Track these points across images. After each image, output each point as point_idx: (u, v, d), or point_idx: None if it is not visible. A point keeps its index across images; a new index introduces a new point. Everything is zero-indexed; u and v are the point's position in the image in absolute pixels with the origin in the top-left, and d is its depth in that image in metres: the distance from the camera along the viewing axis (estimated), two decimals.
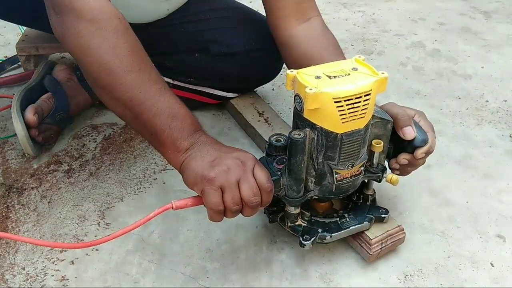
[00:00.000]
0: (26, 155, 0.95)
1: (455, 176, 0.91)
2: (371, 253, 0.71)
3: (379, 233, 0.72)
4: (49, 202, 0.86)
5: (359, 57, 0.65)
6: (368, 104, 0.61)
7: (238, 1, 1.08)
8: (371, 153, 0.69)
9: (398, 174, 0.73)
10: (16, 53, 1.17)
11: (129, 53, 0.64)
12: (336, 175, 0.65)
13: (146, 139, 0.71)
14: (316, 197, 0.69)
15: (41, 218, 0.83)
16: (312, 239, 0.69)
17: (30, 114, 0.91)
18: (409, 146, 0.69)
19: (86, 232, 0.80)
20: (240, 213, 0.64)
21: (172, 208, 0.63)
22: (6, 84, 1.17)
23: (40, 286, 0.71)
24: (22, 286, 0.71)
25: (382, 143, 0.68)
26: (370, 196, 0.75)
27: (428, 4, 1.64)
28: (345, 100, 0.59)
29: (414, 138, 0.68)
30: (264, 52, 0.98)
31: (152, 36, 1.00)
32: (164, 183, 0.90)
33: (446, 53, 1.33)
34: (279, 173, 0.65)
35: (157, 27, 1.00)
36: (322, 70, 0.62)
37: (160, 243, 0.78)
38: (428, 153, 0.70)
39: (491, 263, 0.74)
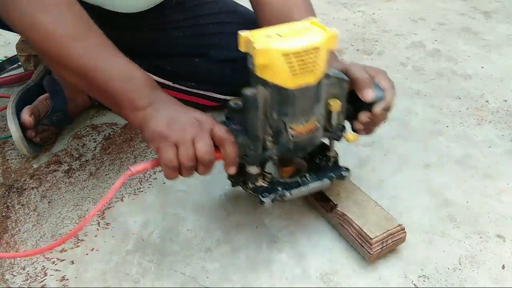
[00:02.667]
0: (24, 155, 0.95)
1: (455, 176, 0.91)
2: (371, 252, 0.71)
3: (380, 232, 0.72)
4: (49, 202, 0.86)
5: (314, 19, 0.66)
6: (317, 59, 0.61)
7: (238, 4, 1.07)
8: (329, 113, 0.70)
9: (363, 134, 0.75)
10: (16, 53, 1.17)
11: (73, 23, 0.65)
12: (291, 131, 0.66)
13: (105, 104, 0.72)
14: (277, 157, 0.70)
15: (41, 218, 0.83)
16: (272, 195, 0.70)
17: (26, 115, 0.91)
18: (368, 104, 0.71)
19: (86, 232, 0.80)
20: (196, 172, 0.65)
21: (132, 173, 0.64)
22: (6, 84, 1.18)
23: (40, 286, 0.71)
24: (22, 286, 0.71)
25: (339, 102, 0.69)
26: (332, 158, 0.76)
27: (428, 4, 1.64)
28: (294, 55, 0.60)
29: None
30: None
31: (152, 37, 1.00)
32: (164, 183, 0.90)
33: (446, 53, 1.33)
34: (236, 132, 0.67)
35: (156, 28, 1.00)
36: (275, 30, 0.63)
37: (160, 243, 0.78)
38: (386, 108, 0.71)
39: (502, 266, 0.74)
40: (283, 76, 0.61)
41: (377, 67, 0.75)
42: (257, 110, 0.64)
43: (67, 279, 0.72)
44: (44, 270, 0.74)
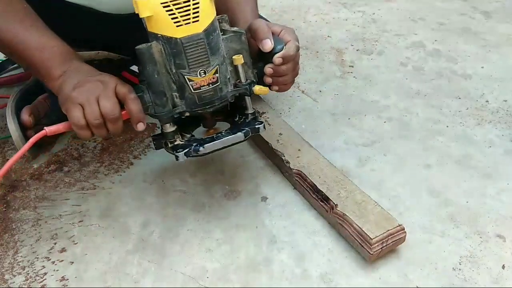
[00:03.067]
0: (24, 155, 0.95)
1: (455, 176, 0.91)
2: (371, 252, 0.71)
3: (380, 232, 0.72)
4: (49, 202, 0.86)
5: None
6: (198, 7, 0.64)
7: None
8: (236, 69, 0.72)
9: (277, 90, 0.78)
10: None
11: None
12: (191, 83, 0.68)
13: (31, 72, 0.76)
14: (189, 113, 0.72)
15: (41, 218, 0.83)
16: (186, 150, 0.72)
17: (25, 115, 0.91)
18: (271, 57, 0.74)
19: (86, 232, 0.80)
20: (109, 131, 0.68)
21: (46, 133, 0.68)
22: (6, 84, 1.18)
23: (40, 286, 0.71)
24: (22, 286, 0.71)
25: (241, 55, 0.72)
26: (250, 115, 0.78)
27: (428, 4, 1.64)
28: (173, 4, 0.63)
29: (273, 49, 0.73)
30: None
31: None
32: (164, 183, 0.90)
33: (446, 53, 1.33)
34: (142, 91, 0.69)
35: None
36: None
37: (160, 243, 0.78)
38: (286, 58, 0.74)
39: (502, 266, 0.74)
40: (168, 26, 0.64)
41: (284, 25, 0.78)
42: (154, 64, 0.66)
43: (67, 279, 0.72)
44: (44, 270, 0.74)
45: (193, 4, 0.63)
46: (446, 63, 1.29)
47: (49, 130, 0.68)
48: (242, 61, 0.72)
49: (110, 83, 0.67)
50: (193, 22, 0.64)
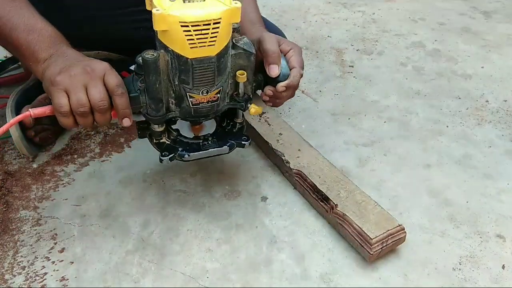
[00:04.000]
0: (24, 155, 0.95)
1: (455, 176, 0.91)
2: (371, 252, 0.71)
3: (380, 232, 0.72)
4: (49, 202, 0.86)
5: None
6: (217, 32, 0.61)
7: None
8: (236, 84, 0.72)
9: (270, 105, 0.79)
10: None
11: None
12: (191, 99, 0.67)
13: (14, 55, 0.75)
14: (180, 118, 0.72)
15: (41, 218, 0.83)
16: (171, 155, 0.72)
17: None
18: (274, 80, 0.74)
19: (86, 232, 0.80)
20: (95, 121, 0.66)
21: (31, 115, 0.66)
22: (6, 84, 1.17)
23: (40, 286, 0.71)
24: (22, 286, 0.71)
25: (245, 74, 0.70)
26: (238, 124, 0.79)
27: (428, 4, 1.64)
28: (192, 26, 0.60)
29: (279, 75, 0.73)
30: None
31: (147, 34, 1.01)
32: (164, 183, 0.90)
33: (446, 53, 1.33)
34: (139, 91, 0.67)
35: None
36: None
37: (160, 243, 0.78)
38: (289, 87, 0.74)
39: (502, 266, 0.74)
40: (181, 45, 0.61)
41: (294, 42, 0.77)
42: (157, 73, 0.65)
43: (67, 279, 0.72)
44: (44, 270, 0.74)
45: (213, 29, 0.60)
46: (446, 63, 1.29)
47: (33, 112, 0.65)
48: (245, 80, 0.71)
49: (99, 70, 0.65)
50: (208, 46, 0.62)
